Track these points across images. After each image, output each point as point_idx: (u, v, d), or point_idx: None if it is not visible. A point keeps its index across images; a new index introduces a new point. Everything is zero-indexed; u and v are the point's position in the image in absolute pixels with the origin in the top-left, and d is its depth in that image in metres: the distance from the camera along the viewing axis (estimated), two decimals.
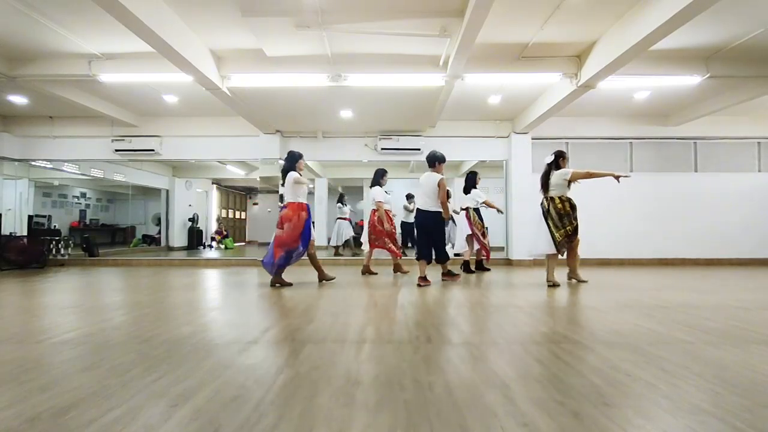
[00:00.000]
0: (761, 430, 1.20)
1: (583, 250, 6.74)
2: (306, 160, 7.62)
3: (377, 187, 5.28)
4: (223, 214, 13.41)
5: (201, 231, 11.45)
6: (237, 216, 14.62)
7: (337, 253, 8.41)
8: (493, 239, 6.44)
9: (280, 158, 7.07)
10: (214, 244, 11.65)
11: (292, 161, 4.32)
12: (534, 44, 4.38)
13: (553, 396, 1.44)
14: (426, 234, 4.34)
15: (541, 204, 4.27)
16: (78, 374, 1.67)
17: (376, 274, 5.29)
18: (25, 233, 7.00)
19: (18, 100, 6.01)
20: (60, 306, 3.24)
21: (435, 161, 4.36)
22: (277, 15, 3.74)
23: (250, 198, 15.37)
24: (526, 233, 6.45)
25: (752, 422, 1.24)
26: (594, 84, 4.65)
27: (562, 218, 4.09)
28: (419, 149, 6.92)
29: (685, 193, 6.91)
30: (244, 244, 14.22)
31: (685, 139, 7.00)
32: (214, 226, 12.45)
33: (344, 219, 8.73)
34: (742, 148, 7.04)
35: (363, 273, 5.31)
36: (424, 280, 4.23)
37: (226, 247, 11.46)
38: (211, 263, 7.28)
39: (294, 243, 4.11)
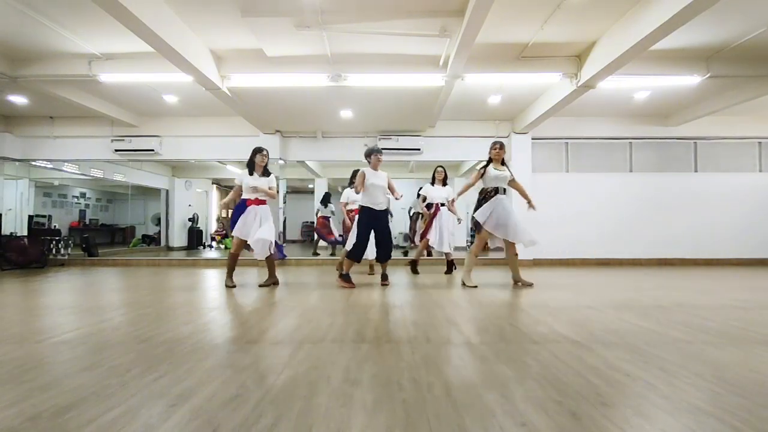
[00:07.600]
0: (760, 431, 1.20)
1: (584, 251, 6.82)
2: (305, 159, 7.71)
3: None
4: (223, 214, 13.40)
5: (201, 231, 11.44)
6: None
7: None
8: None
9: (280, 158, 7.08)
10: (214, 244, 11.64)
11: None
12: (534, 44, 4.38)
13: (551, 396, 1.44)
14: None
15: None
16: (78, 374, 1.67)
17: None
18: (25, 233, 7.01)
19: (19, 100, 6.02)
20: (60, 306, 3.24)
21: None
22: (277, 15, 3.74)
23: None
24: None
25: (751, 422, 1.25)
26: (594, 84, 4.65)
27: None
28: (419, 149, 6.93)
29: (685, 193, 6.91)
30: None
31: (685, 139, 7.00)
32: (214, 226, 12.45)
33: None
34: (742, 148, 7.04)
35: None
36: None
37: (226, 247, 11.40)
38: (211, 263, 7.28)
39: None
